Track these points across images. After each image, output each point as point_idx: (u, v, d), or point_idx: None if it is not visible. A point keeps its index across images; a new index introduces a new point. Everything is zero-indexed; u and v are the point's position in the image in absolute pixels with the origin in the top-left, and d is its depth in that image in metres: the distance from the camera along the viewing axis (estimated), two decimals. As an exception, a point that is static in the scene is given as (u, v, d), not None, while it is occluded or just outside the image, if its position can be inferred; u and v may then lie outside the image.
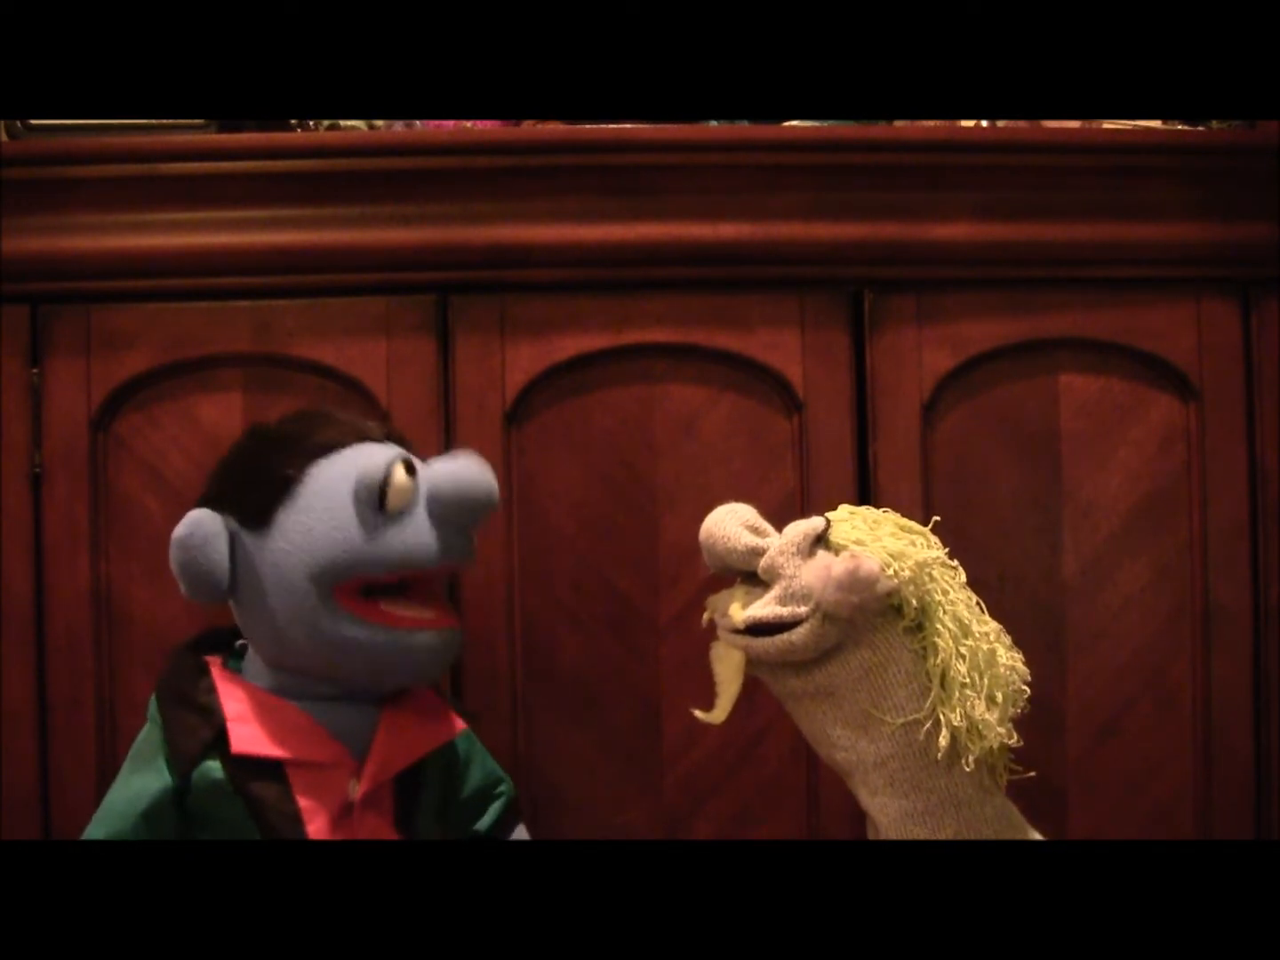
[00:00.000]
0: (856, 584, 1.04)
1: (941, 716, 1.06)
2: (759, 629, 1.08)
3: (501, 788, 1.28)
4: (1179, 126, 1.47)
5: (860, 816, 1.13)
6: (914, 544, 1.09)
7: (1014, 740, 1.08)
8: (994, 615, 1.12)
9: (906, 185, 1.37)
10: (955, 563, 1.12)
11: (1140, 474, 1.41)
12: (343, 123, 1.44)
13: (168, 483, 1.34)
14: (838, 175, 1.37)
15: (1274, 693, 1.40)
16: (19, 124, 1.35)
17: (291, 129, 1.43)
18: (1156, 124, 1.45)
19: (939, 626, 1.07)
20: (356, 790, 1.11)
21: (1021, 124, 1.43)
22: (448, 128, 1.42)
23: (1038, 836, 1.15)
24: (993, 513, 1.40)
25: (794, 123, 1.40)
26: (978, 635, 1.08)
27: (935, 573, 1.08)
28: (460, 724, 1.21)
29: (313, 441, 1.13)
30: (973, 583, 1.12)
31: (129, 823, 1.11)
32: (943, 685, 1.06)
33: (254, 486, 1.12)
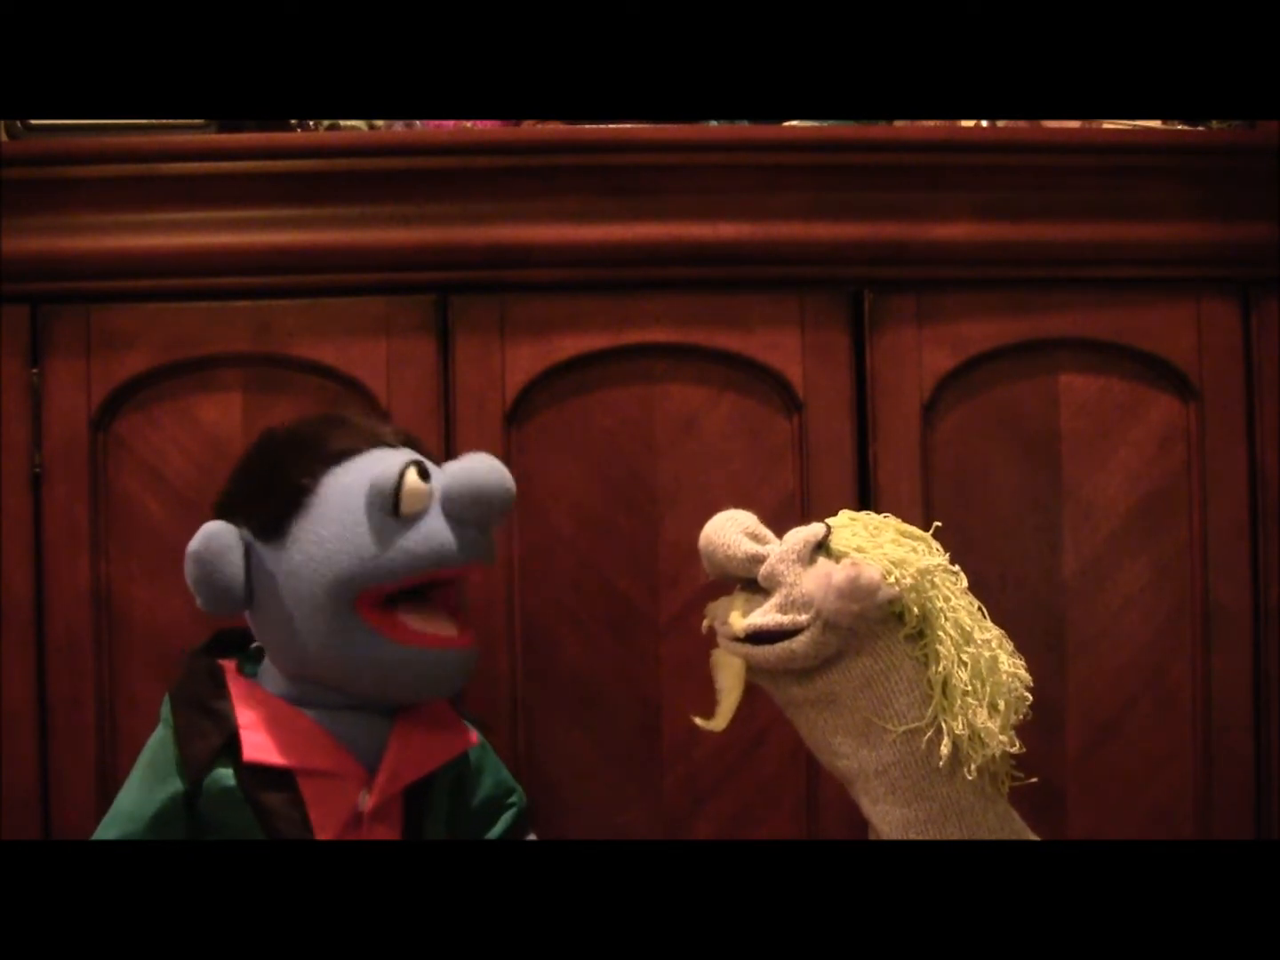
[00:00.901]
0: (857, 592, 1.03)
1: (943, 724, 1.06)
2: (759, 637, 1.08)
3: (513, 798, 1.27)
4: (1179, 126, 1.47)
5: (859, 817, 1.13)
6: (915, 551, 1.09)
7: (1016, 747, 1.08)
8: (994, 615, 1.12)
9: (906, 185, 1.37)
10: (957, 568, 1.11)
11: (1140, 474, 1.41)
12: (343, 123, 1.44)
13: (168, 483, 1.34)
14: (838, 175, 1.37)
15: (1274, 693, 1.40)
16: (19, 124, 1.35)
17: (291, 129, 1.43)
18: (1156, 124, 1.45)
19: (940, 634, 1.07)
20: (367, 801, 1.11)
21: (1021, 124, 1.43)
22: (448, 128, 1.42)
23: (1038, 840, 1.15)
24: (993, 513, 1.40)
25: (794, 123, 1.40)
26: (979, 642, 1.07)
27: (937, 580, 1.08)
28: (474, 737, 1.20)
29: (326, 450, 1.12)
30: (973, 583, 1.12)
31: (139, 826, 1.11)
32: (944, 693, 1.06)
33: (268, 497, 1.11)
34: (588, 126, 1.37)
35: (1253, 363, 1.42)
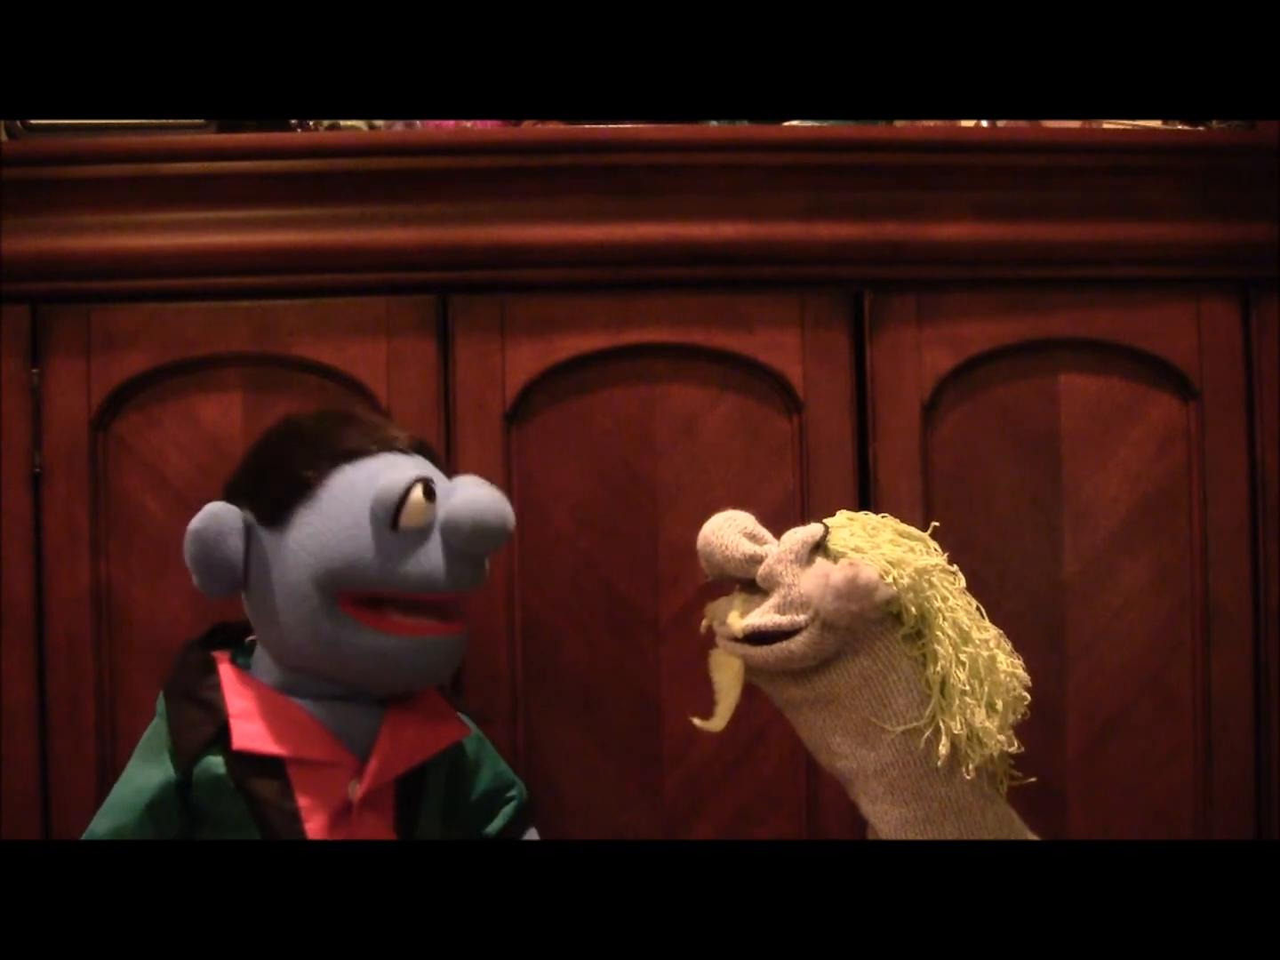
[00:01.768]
0: (855, 592, 1.03)
1: (941, 724, 1.06)
2: (758, 637, 1.08)
3: (513, 792, 1.27)
4: (1179, 126, 1.47)
5: (859, 817, 1.13)
6: (913, 550, 1.09)
7: (1014, 747, 1.08)
8: (994, 615, 1.12)
9: (906, 185, 1.37)
10: (955, 568, 1.11)
11: (1140, 474, 1.41)
12: (343, 123, 1.44)
13: (168, 483, 1.34)
14: (838, 175, 1.37)
15: (1274, 693, 1.40)
16: (19, 124, 1.35)
17: (291, 129, 1.43)
18: (1156, 124, 1.45)
19: (938, 634, 1.07)
20: (357, 790, 1.11)
21: (1021, 124, 1.43)
22: (448, 128, 1.42)
23: (1037, 839, 1.15)
24: (993, 513, 1.40)
25: (794, 123, 1.40)
26: (977, 642, 1.07)
27: (934, 579, 1.08)
28: (464, 729, 1.20)
29: (337, 446, 1.12)
30: (973, 583, 1.12)
31: (133, 816, 1.11)
32: (943, 693, 1.06)
33: (274, 483, 1.12)
34: (588, 126, 1.37)
35: (1253, 363, 1.42)
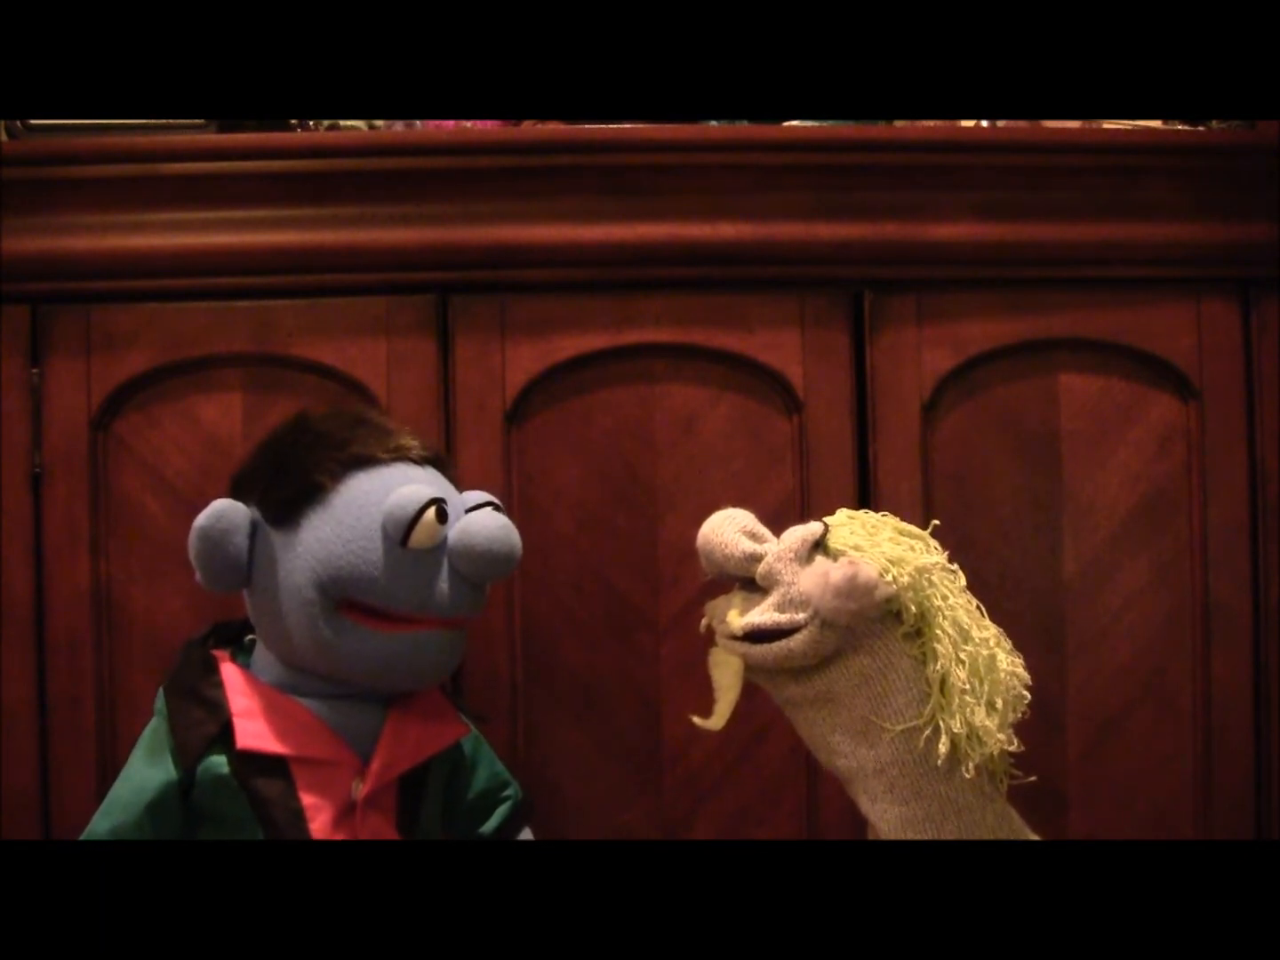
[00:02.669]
0: (855, 590, 1.03)
1: (941, 723, 1.06)
2: (757, 635, 1.08)
3: (508, 791, 1.27)
4: (1179, 126, 1.47)
5: (859, 816, 1.13)
6: (913, 549, 1.09)
7: (1014, 746, 1.08)
8: (994, 615, 1.12)
9: (906, 185, 1.37)
10: (955, 567, 1.11)
11: (1140, 474, 1.41)
12: (343, 123, 1.44)
13: (168, 483, 1.34)
14: (838, 175, 1.37)
15: (1274, 693, 1.40)
16: (19, 124, 1.35)
17: (291, 129, 1.43)
18: (1156, 124, 1.45)
19: (938, 632, 1.07)
20: (360, 789, 1.11)
21: (1021, 124, 1.43)
22: (448, 128, 1.42)
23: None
24: (993, 513, 1.40)
25: (794, 123, 1.40)
26: (977, 641, 1.07)
27: (934, 578, 1.08)
28: (465, 727, 1.21)
29: (351, 452, 1.12)
30: (973, 582, 1.12)
31: (134, 815, 1.11)
32: (942, 691, 1.06)
33: (285, 484, 1.12)
34: (588, 126, 1.37)
35: (1253, 363, 1.42)
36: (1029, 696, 1.10)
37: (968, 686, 1.06)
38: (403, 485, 1.11)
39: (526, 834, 1.28)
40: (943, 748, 1.05)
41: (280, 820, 1.09)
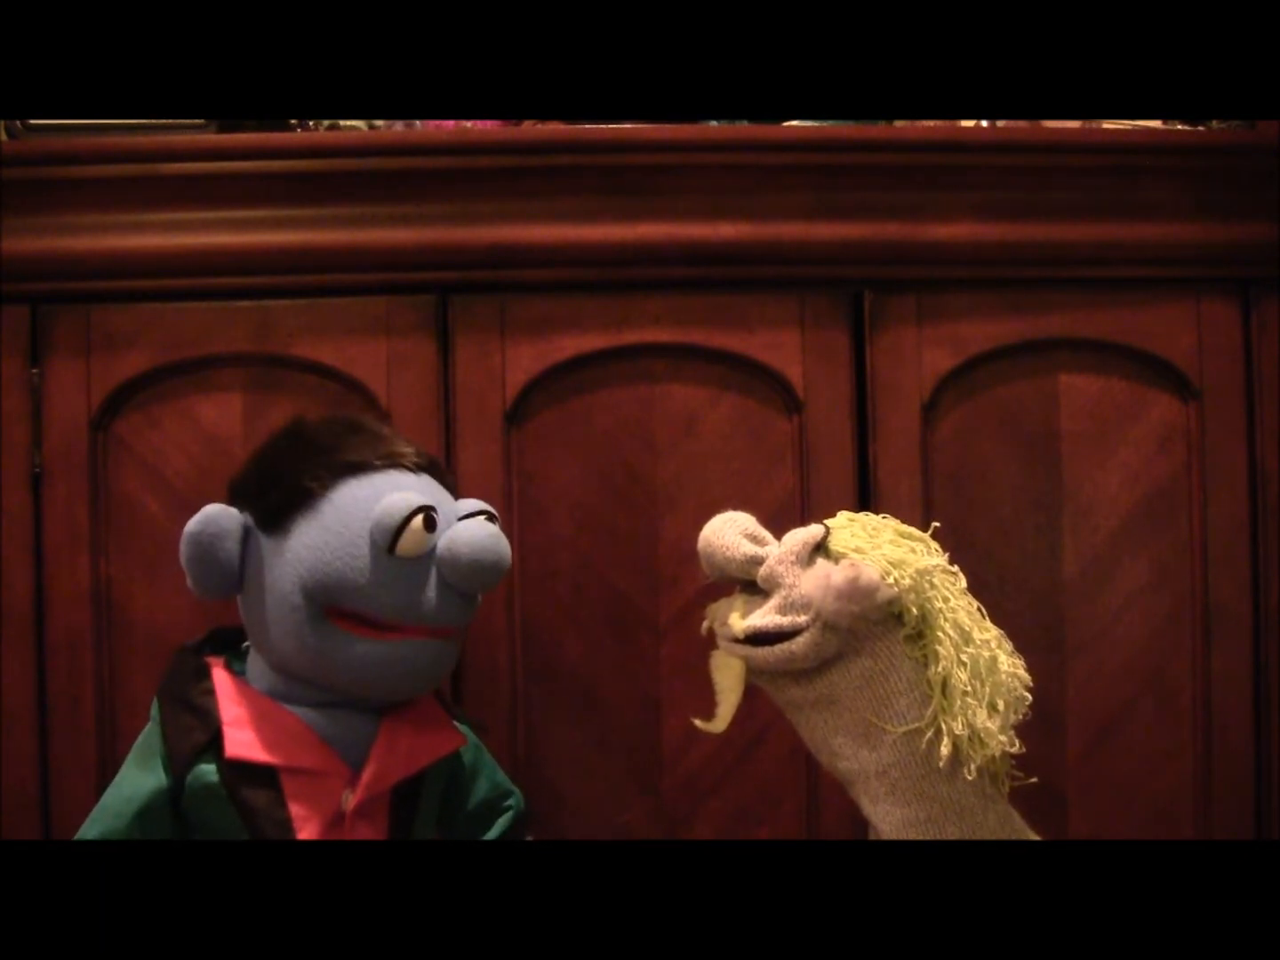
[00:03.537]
0: (856, 593, 1.03)
1: (943, 725, 1.05)
2: (759, 638, 1.07)
3: (510, 801, 1.26)
4: (1179, 126, 1.47)
5: (859, 817, 1.13)
6: (914, 551, 1.09)
7: (1016, 748, 1.08)
8: (994, 615, 1.12)
9: (906, 185, 1.37)
10: (956, 569, 1.11)
11: (1140, 474, 1.41)
12: (343, 123, 1.44)
13: (168, 483, 1.34)
14: (838, 175, 1.37)
15: (1274, 693, 1.40)
16: (19, 124, 1.35)
17: (291, 129, 1.43)
18: (1156, 124, 1.45)
19: (940, 634, 1.07)
20: (350, 800, 1.10)
21: (1021, 124, 1.43)
22: (448, 128, 1.42)
23: (1038, 839, 1.15)
24: (993, 513, 1.40)
25: (794, 123, 1.40)
26: (979, 642, 1.07)
27: (936, 580, 1.08)
28: (461, 738, 1.19)
29: (342, 457, 1.12)
30: (973, 583, 1.12)
31: (124, 822, 1.11)
32: (944, 693, 1.06)
33: (275, 490, 1.11)
34: (588, 126, 1.37)
35: (1253, 363, 1.42)
36: (1030, 698, 1.09)
37: (969, 688, 1.06)
38: (393, 492, 1.10)
39: None
40: (945, 750, 1.05)
41: (267, 830, 1.08)
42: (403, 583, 1.09)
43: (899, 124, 1.42)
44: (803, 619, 1.05)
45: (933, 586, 1.08)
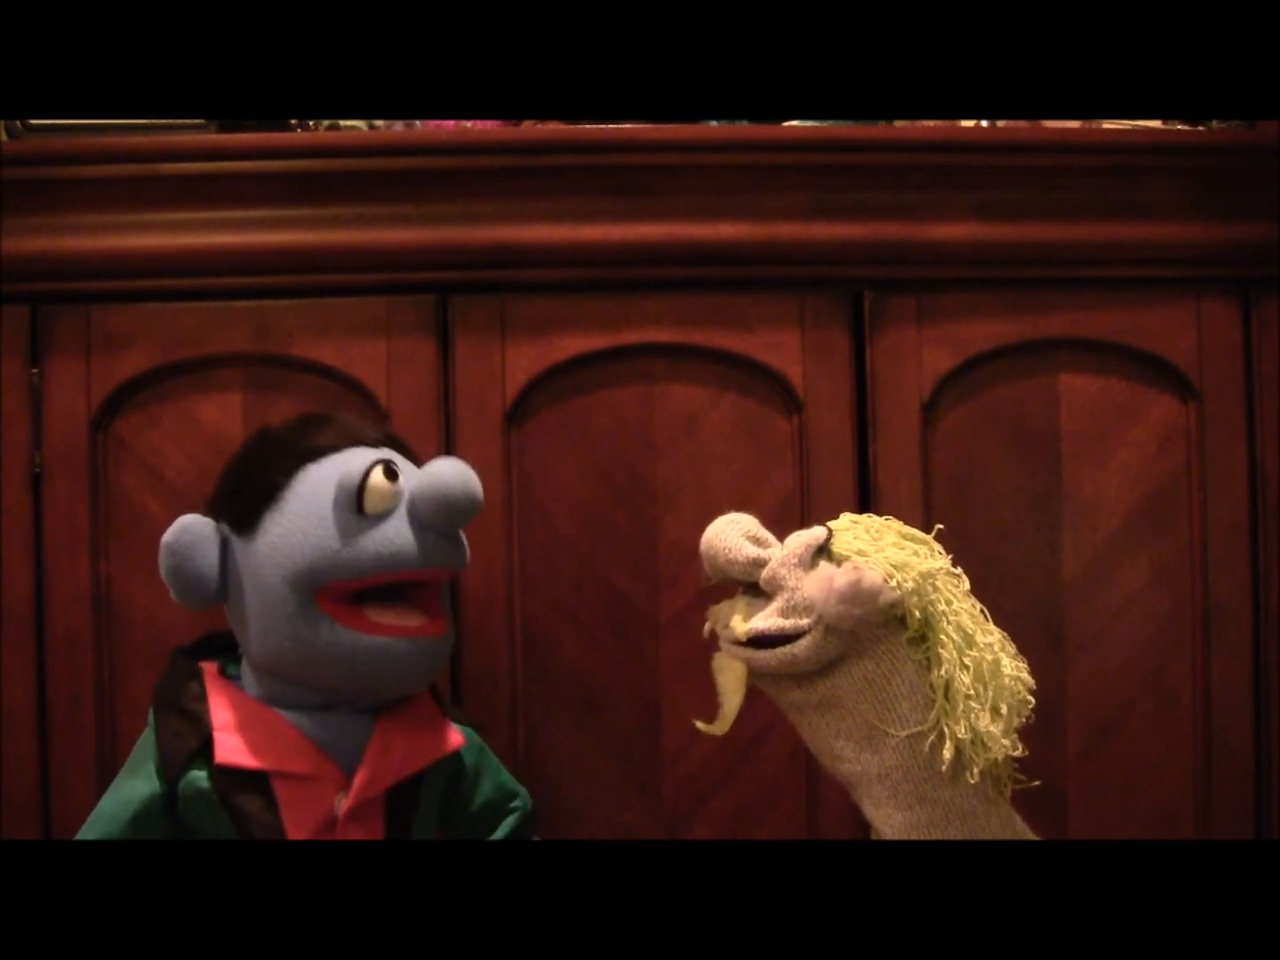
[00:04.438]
0: (859, 596, 1.03)
1: (946, 729, 1.05)
2: (761, 641, 1.07)
3: (516, 802, 1.26)
4: (1179, 126, 1.47)
5: (859, 816, 1.13)
6: (917, 554, 1.08)
7: (1019, 751, 1.08)
8: (994, 615, 1.11)
9: (906, 185, 1.37)
10: (959, 571, 1.11)
11: (1140, 474, 1.41)
12: (343, 123, 1.44)
13: (168, 483, 1.34)
14: (838, 175, 1.37)
15: (1274, 693, 1.40)
16: (19, 124, 1.35)
17: (291, 129, 1.43)
18: (1156, 124, 1.45)
19: (943, 638, 1.06)
20: (342, 804, 1.10)
21: (1021, 124, 1.43)
22: (448, 128, 1.42)
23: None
24: (993, 513, 1.40)
25: (794, 123, 1.40)
26: (982, 646, 1.07)
27: (939, 583, 1.08)
28: (459, 739, 1.19)
29: (303, 446, 1.12)
30: (973, 583, 1.12)
31: (118, 827, 1.11)
32: (947, 697, 1.06)
33: (244, 491, 1.11)
34: (588, 126, 1.37)
35: (1253, 363, 1.42)
36: (1033, 701, 1.09)
37: (972, 692, 1.05)
38: (352, 462, 1.10)
39: None
40: (947, 753, 1.05)
41: (258, 835, 1.08)
42: (379, 538, 1.08)
43: (899, 124, 1.42)
44: (805, 622, 1.05)
45: (936, 590, 1.07)
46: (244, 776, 1.09)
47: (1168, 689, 1.40)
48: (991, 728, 1.05)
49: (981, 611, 1.11)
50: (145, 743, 1.13)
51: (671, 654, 1.36)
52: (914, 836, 1.07)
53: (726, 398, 1.39)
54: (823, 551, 1.08)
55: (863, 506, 1.35)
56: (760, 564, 1.08)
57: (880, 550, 1.07)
